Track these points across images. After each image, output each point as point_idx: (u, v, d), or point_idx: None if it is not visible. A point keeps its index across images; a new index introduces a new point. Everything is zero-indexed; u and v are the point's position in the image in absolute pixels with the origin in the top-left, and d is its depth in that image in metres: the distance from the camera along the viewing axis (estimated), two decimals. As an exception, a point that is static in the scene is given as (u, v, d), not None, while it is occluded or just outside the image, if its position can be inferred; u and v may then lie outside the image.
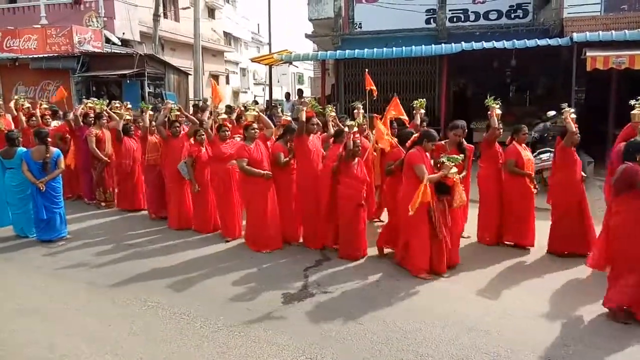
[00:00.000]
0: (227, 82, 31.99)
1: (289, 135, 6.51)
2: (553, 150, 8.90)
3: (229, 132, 7.04)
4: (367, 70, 7.84)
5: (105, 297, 5.07)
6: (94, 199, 8.94)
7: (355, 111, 7.38)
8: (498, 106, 6.30)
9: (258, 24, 41.25)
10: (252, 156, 6.25)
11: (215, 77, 28.49)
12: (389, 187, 6.15)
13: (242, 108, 8.41)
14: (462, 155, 5.52)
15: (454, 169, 5.16)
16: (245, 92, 36.55)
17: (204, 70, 21.29)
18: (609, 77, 10.79)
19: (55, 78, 16.58)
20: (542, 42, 10.93)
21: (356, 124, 6.00)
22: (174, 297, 5.01)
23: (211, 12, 29.02)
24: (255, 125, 6.49)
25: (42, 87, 16.69)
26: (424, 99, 7.68)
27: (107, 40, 18.70)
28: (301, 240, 6.62)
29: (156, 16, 19.17)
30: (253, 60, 17.26)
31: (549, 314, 4.50)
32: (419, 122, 7.28)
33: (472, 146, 6.42)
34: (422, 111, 7.57)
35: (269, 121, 6.90)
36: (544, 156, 8.82)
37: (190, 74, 19.41)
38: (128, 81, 15.64)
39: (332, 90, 15.10)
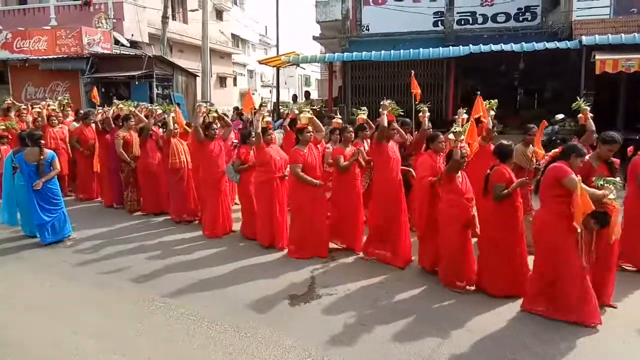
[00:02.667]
0: (235, 84, 32.10)
1: (342, 135, 6.30)
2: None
3: (274, 136, 6.77)
4: (412, 72, 7.67)
5: (113, 296, 5.11)
6: (122, 203, 8.76)
7: (457, 116, 6.68)
8: (589, 108, 6.00)
9: (266, 26, 41.47)
10: (306, 161, 5.99)
11: (222, 78, 28.61)
12: (426, 204, 5.47)
13: (296, 111, 8.06)
14: (617, 177, 4.49)
15: (613, 194, 4.24)
16: (253, 94, 36.61)
17: (211, 72, 21.38)
18: (617, 80, 10.75)
19: (65, 79, 16.76)
20: (550, 45, 10.90)
21: (464, 131, 5.21)
22: (181, 297, 5.03)
23: (219, 14, 29.14)
24: (310, 129, 6.16)
25: (52, 88, 16.88)
26: (428, 103, 7.13)
27: (116, 42, 18.83)
28: (361, 254, 6.12)
29: (165, 18, 19.29)
30: (261, 62, 17.34)
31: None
32: (426, 126, 6.75)
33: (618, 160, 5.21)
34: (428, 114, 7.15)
35: (321, 125, 6.47)
36: (552, 159, 8.76)
37: (198, 76, 19.51)
38: (137, 82, 15.74)
39: (339, 93, 15.13)
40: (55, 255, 6.39)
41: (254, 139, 6.78)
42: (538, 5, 14.15)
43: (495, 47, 11.25)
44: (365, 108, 7.63)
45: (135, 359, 3.92)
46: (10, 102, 10.72)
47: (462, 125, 5.42)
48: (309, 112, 6.35)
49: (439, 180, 5.22)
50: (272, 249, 6.44)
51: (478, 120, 6.55)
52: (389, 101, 6.06)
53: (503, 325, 4.36)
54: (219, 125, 7.15)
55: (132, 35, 20.08)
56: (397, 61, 12.62)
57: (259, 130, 6.42)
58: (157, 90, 16.23)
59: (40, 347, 4.11)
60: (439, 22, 14.82)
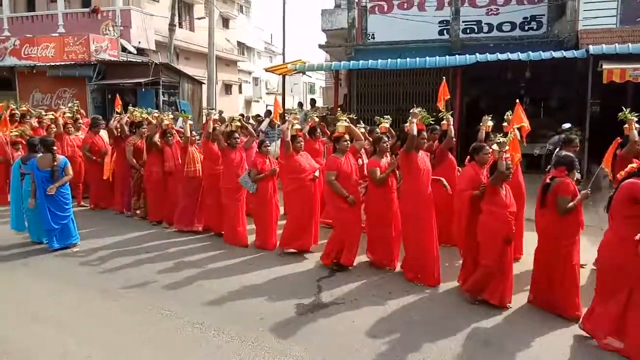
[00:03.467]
0: (240, 92, 32.22)
1: (377, 146, 6.04)
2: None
3: (303, 144, 6.73)
4: (444, 78, 7.54)
5: (119, 305, 5.10)
6: (127, 211, 8.77)
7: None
8: (636, 119, 5.89)
9: (271, 34, 41.71)
10: (341, 169, 5.86)
11: (228, 86, 28.72)
12: (465, 218, 5.17)
13: (316, 119, 8.00)
14: None
15: None
16: (258, 102, 36.79)
17: (217, 80, 21.46)
18: (623, 89, 10.71)
19: (72, 86, 16.86)
20: (557, 54, 10.88)
21: (509, 140, 5.02)
22: (187, 306, 5.01)
23: (225, 22, 29.31)
24: (347, 137, 6.03)
25: (59, 95, 16.97)
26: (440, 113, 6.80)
27: (123, 49, 18.95)
28: (399, 268, 5.92)
29: (171, 26, 19.41)
30: (268, 69, 17.40)
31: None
32: (452, 135, 6.49)
33: None
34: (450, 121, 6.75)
35: (359, 133, 6.34)
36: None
37: (204, 83, 19.60)
38: (143, 89, 15.82)
39: (345, 101, 15.14)
40: (62, 263, 6.39)
41: (265, 148, 6.81)
42: (544, 15, 14.14)
43: (502, 56, 11.24)
44: (389, 117, 7.47)
45: (142, 367, 3.91)
46: (26, 108, 10.72)
47: (509, 134, 5.22)
48: (346, 120, 6.21)
49: (481, 193, 4.98)
50: (278, 258, 6.45)
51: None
52: (419, 109, 5.85)
53: (521, 337, 4.33)
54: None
55: (139, 42, 20.20)
56: (403, 70, 12.63)
57: (289, 138, 6.44)
58: (164, 97, 16.31)
59: (46, 356, 4.10)
60: (445, 31, 14.83)
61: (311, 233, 6.61)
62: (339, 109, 6.08)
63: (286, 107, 17.66)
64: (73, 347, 4.23)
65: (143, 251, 6.78)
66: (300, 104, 17.80)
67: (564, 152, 4.90)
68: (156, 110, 10.11)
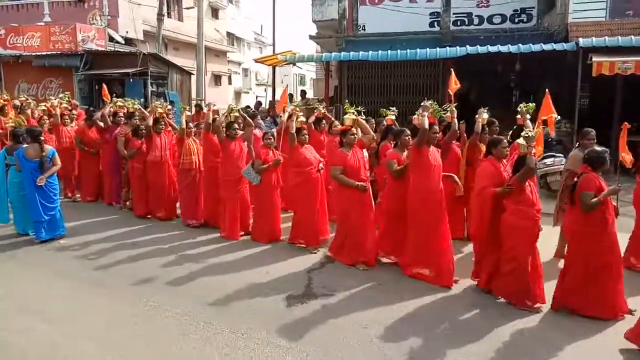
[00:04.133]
0: (230, 82, 31.99)
1: (398, 139, 5.87)
2: (558, 155, 8.95)
3: (308, 136, 6.62)
4: (452, 69, 7.39)
5: (108, 297, 5.05)
6: (115, 202, 8.69)
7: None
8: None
9: (261, 25, 41.47)
10: (348, 163, 5.64)
11: (217, 77, 28.50)
12: (487, 218, 4.92)
13: (322, 110, 7.68)
14: None
15: None
16: (247, 93, 36.58)
17: (206, 70, 21.28)
18: (613, 82, 10.78)
19: (58, 76, 16.60)
20: (547, 46, 10.91)
21: (535, 134, 4.84)
22: (177, 298, 4.98)
23: (215, 12, 29.03)
24: (354, 131, 5.80)
25: (45, 85, 16.70)
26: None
27: (111, 39, 18.70)
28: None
29: (160, 15, 19.18)
30: (257, 60, 17.28)
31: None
32: (456, 127, 6.15)
33: None
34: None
35: (367, 126, 6.04)
36: (548, 161, 8.82)
37: (193, 74, 19.40)
38: (131, 80, 15.62)
39: (335, 92, 15.09)
40: (51, 255, 6.31)
41: (268, 140, 6.71)
42: (534, 7, 14.17)
43: (492, 48, 11.25)
44: (394, 109, 7.26)
45: (130, 359, 3.87)
46: (24, 99, 10.58)
47: (536, 129, 5.01)
48: (353, 113, 5.89)
49: (506, 191, 4.72)
50: (269, 250, 6.44)
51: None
52: (429, 102, 5.63)
53: (501, 328, 4.35)
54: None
55: (127, 32, 19.95)
56: (394, 61, 12.60)
57: (293, 130, 6.34)
58: (152, 88, 16.12)
59: (37, 349, 4.05)
60: (436, 23, 14.81)
61: (319, 227, 6.48)
62: (346, 101, 5.87)
63: (276, 99, 17.58)
64: (62, 339, 4.18)
65: (133, 244, 6.71)
66: (291, 96, 17.69)
67: (596, 148, 4.69)
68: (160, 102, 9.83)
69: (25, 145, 6.67)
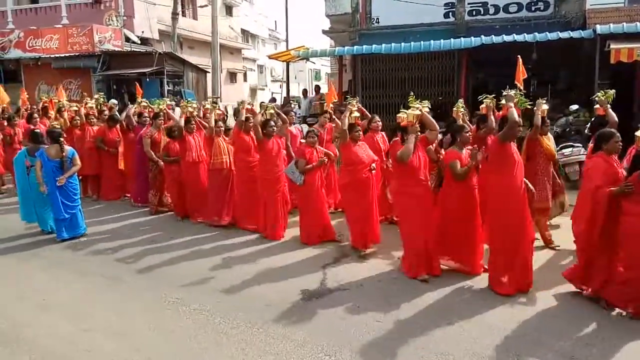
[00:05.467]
0: (245, 79, 32.13)
1: (459, 136, 5.29)
2: (576, 145, 8.79)
3: (361, 133, 6.24)
4: (519, 56, 7.01)
5: (127, 293, 5.15)
6: (140, 202, 8.66)
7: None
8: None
9: (275, 21, 41.38)
10: (410, 163, 5.16)
11: (233, 74, 28.64)
12: (601, 220, 4.43)
13: (352, 105, 6.61)
14: None
15: None
16: (263, 89, 36.70)
17: (221, 68, 21.40)
18: (633, 70, 10.54)
19: (77, 77, 16.93)
20: (564, 34, 10.71)
21: None
22: (193, 293, 5.05)
23: (229, 9, 29.15)
24: (418, 127, 5.29)
25: (64, 86, 16.99)
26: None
27: (127, 39, 18.93)
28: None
29: (174, 14, 19.34)
30: (270, 57, 17.30)
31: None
32: (493, 123, 5.46)
33: None
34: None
35: (433, 122, 5.43)
36: (566, 151, 8.67)
37: (209, 72, 19.56)
38: (147, 79, 15.83)
39: (349, 86, 15.05)
40: (71, 253, 6.45)
41: (312, 139, 6.48)
42: (550, -5, 13.92)
43: (507, 38, 11.08)
44: (427, 101, 6.70)
45: (148, 354, 3.95)
46: (62, 101, 10.63)
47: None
48: (417, 108, 5.32)
49: (625, 190, 4.23)
50: (284, 246, 6.48)
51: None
52: (513, 91, 5.08)
53: (521, 322, 4.32)
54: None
55: (143, 32, 20.17)
56: (408, 54, 12.50)
57: (346, 126, 5.98)
58: (168, 86, 16.32)
59: (55, 344, 4.15)
60: (450, 14, 14.64)
61: (371, 230, 6.12)
62: (411, 93, 5.44)
63: (290, 94, 17.61)
64: (81, 334, 4.28)
65: (151, 241, 6.82)
66: (305, 92, 17.71)
67: None
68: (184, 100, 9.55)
69: (46, 146, 6.82)
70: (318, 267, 5.64)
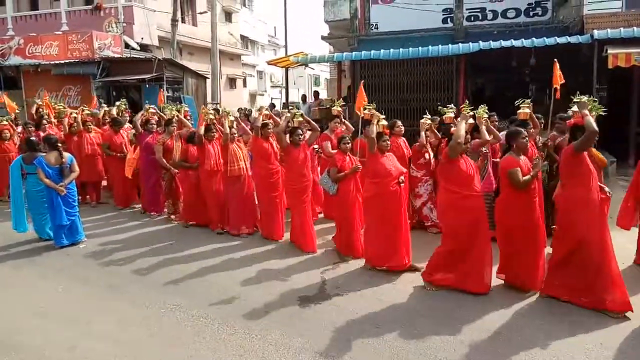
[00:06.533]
0: (245, 85, 32.21)
1: (514, 142, 4.93)
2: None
3: (389, 142, 5.81)
4: (556, 62, 6.83)
5: (125, 299, 5.14)
6: (152, 211, 8.53)
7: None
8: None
9: (274, 27, 41.48)
10: (466, 172, 4.90)
11: (232, 80, 28.71)
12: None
13: (366, 112, 6.16)
14: None
15: None
16: (262, 95, 36.78)
17: (221, 74, 21.47)
18: (630, 75, 10.57)
19: (77, 83, 16.92)
20: (562, 40, 10.73)
21: None
22: (192, 299, 5.04)
23: (228, 15, 29.25)
24: (468, 138, 4.98)
25: (64, 93, 17.04)
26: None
27: (127, 46, 18.99)
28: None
29: (174, 21, 19.41)
30: (269, 63, 17.37)
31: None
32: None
33: None
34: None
35: (494, 129, 5.23)
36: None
37: (208, 78, 19.59)
38: (147, 85, 15.85)
39: (349, 92, 15.08)
40: (69, 259, 6.44)
41: (345, 145, 6.14)
42: (548, 0, 13.98)
43: (505, 43, 11.11)
44: (452, 106, 6.56)
45: (147, 361, 3.94)
46: (64, 108, 10.68)
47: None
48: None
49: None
50: (283, 251, 6.48)
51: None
52: (585, 97, 4.67)
53: (518, 324, 4.31)
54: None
55: (142, 38, 20.23)
56: (407, 59, 12.54)
57: (374, 134, 5.57)
58: (168, 92, 16.31)
59: (54, 351, 4.14)
60: (448, 19, 14.72)
61: (401, 248, 5.56)
62: (467, 100, 5.25)
63: (290, 100, 17.64)
64: (80, 341, 4.27)
65: (149, 248, 6.80)
66: (304, 97, 17.74)
67: None
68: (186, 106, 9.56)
69: (44, 154, 6.82)
70: (316, 274, 5.63)
